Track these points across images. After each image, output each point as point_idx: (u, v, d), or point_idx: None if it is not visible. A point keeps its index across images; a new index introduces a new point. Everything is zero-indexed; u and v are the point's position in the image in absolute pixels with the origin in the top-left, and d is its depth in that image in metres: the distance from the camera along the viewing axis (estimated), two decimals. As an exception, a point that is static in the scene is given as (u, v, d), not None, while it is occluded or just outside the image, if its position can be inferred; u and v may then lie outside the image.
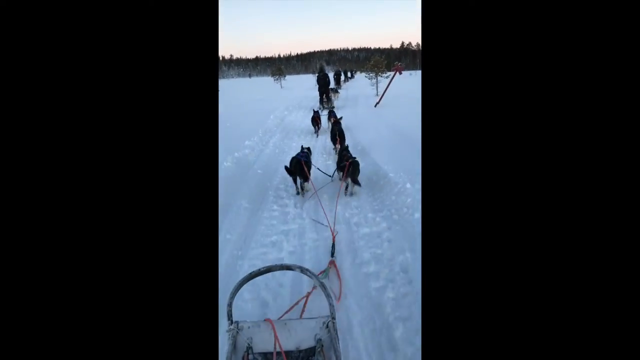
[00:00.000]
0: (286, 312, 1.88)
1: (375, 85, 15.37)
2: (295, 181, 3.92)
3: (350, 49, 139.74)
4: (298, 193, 3.90)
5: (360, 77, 40.04)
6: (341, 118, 6.86)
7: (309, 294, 2.01)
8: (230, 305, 1.46)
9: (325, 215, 3.14)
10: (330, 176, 4.34)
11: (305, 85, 25.01)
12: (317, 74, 11.55)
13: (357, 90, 20.46)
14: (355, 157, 3.92)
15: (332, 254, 2.49)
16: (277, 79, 25.63)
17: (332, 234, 2.76)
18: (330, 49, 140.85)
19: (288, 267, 1.63)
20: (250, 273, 1.54)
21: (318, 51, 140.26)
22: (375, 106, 10.62)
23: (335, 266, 2.33)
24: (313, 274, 1.59)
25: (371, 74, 16.13)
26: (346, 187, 3.82)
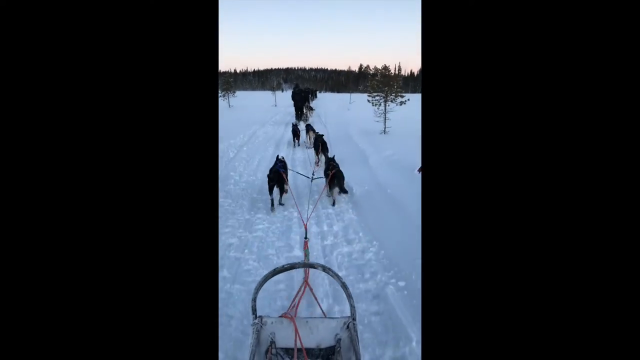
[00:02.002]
0: (289, 308, 1.92)
1: (384, 115, 9.77)
2: (271, 191, 3.99)
3: (307, 68, 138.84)
4: (272, 205, 3.99)
5: (324, 97, 36.59)
6: (322, 135, 6.86)
7: (303, 288, 2.09)
8: (254, 300, 1.57)
9: (300, 216, 3.57)
10: (308, 177, 4.61)
11: (263, 103, 20.28)
12: (292, 90, 12.01)
13: (328, 109, 16.24)
14: (339, 167, 4.36)
15: (305, 236, 2.86)
16: (224, 96, 19.70)
17: (304, 224, 3.15)
18: (288, 67, 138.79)
19: (311, 266, 1.83)
20: (275, 269, 1.69)
21: (275, 69, 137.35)
22: (419, 171, 4.94)
23: (307, 245, 2.66)
24: (335, 273, 1.67)
25: (376, 97, 10.11)
26: (333, 201, 4.17)
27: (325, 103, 22.43)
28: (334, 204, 4.04)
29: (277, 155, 4.79)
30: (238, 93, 23.37)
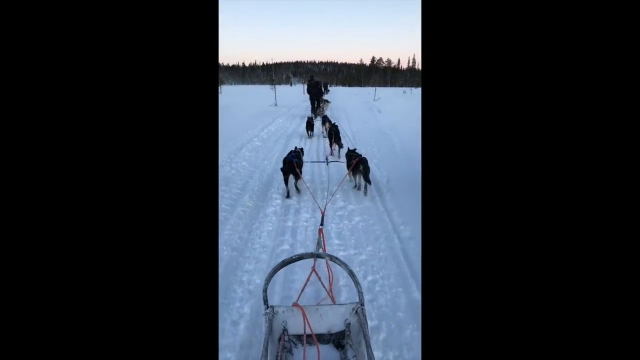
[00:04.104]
0: (299, 296, 1.88)
1: None
2: (287, 182, 3.93)
3: (317, 62, 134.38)
4: (288, 196, 3.91)
5: (337, 90, 31.71)
6: (336, 124, 6.84)
7: (310, 275, 2.03)
8: (265, 290, 1.55)
9: (316, 202, 3.55)
10: (323, 162, 4.78)
11: (260, 102, 15.42)
12: (308, 82, 11.36)
13: (348, 108, 12.20)
14: (362, 156, 4.07)
15: (321, 224, 2.61)
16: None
17: (322, 211, 2.91)
18: (297, 61, 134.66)
19: (318, 256, 1.78)
20: (283, 261, 1.67)
21: (285, 62, 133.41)
22: None
23: (322, 233, 2.46)
24: (343, 262, 1.67)
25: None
26: (356, 187, 4.05)
27: (341, 99, 17.30)
28: (359, 188, 3.99)
29: (295, 147, 4.62)
30: (232, 88, 18.74)
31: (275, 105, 14.45)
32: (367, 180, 3.86)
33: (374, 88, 21.93)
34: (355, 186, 4.01)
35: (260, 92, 22.85)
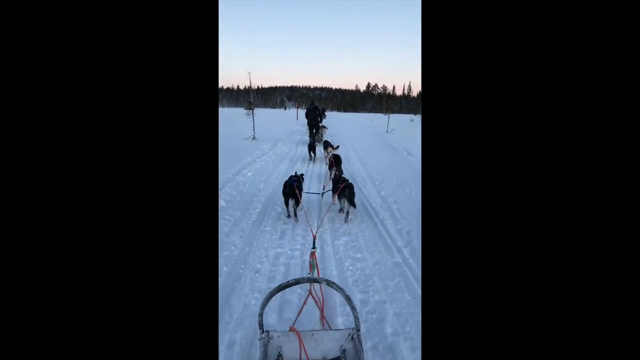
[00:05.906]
0: (295, 321, 1.90)
1: None
2: (287, 204, 4.12)
3: (312, 87, 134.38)
4: (289, 216, 4.14)
5: (334, 116, 28.94)
6: (338, 147, 7.83)
7: (306, 299, 2.07)
8: (261, 315, 1.52)
9: (309, 224, 3.59)
10: (318, 194, 4.91)
11: (237, 130, 11.99)
12: (307, 107, 10.81)
13: (356, 144, 9.63)
14: (349, 181, 4.14)
15: (313, 247, 2.64)
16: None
17: (313, 234, 2.95)
18: (292, 86, 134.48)
19: (315, 280, 1.74)
20: (279, 285, 1.65)
21: (280, 86, 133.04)
22: None
23: (315, 256, 2.47)
24: (339, 287, 1.64)
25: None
26: (341, 210, 4.16)
27: (342, 126, 14.86)
28: (344, 213, 4.01)
29: (295, 172, 4.84)
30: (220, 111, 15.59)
31: (254, 138, 10.83)
32: (352, 204, 3.96)
33: (387, 115, 17.39)
34: (341, 209, 4.11)
35: (244, 117, 19.87)
